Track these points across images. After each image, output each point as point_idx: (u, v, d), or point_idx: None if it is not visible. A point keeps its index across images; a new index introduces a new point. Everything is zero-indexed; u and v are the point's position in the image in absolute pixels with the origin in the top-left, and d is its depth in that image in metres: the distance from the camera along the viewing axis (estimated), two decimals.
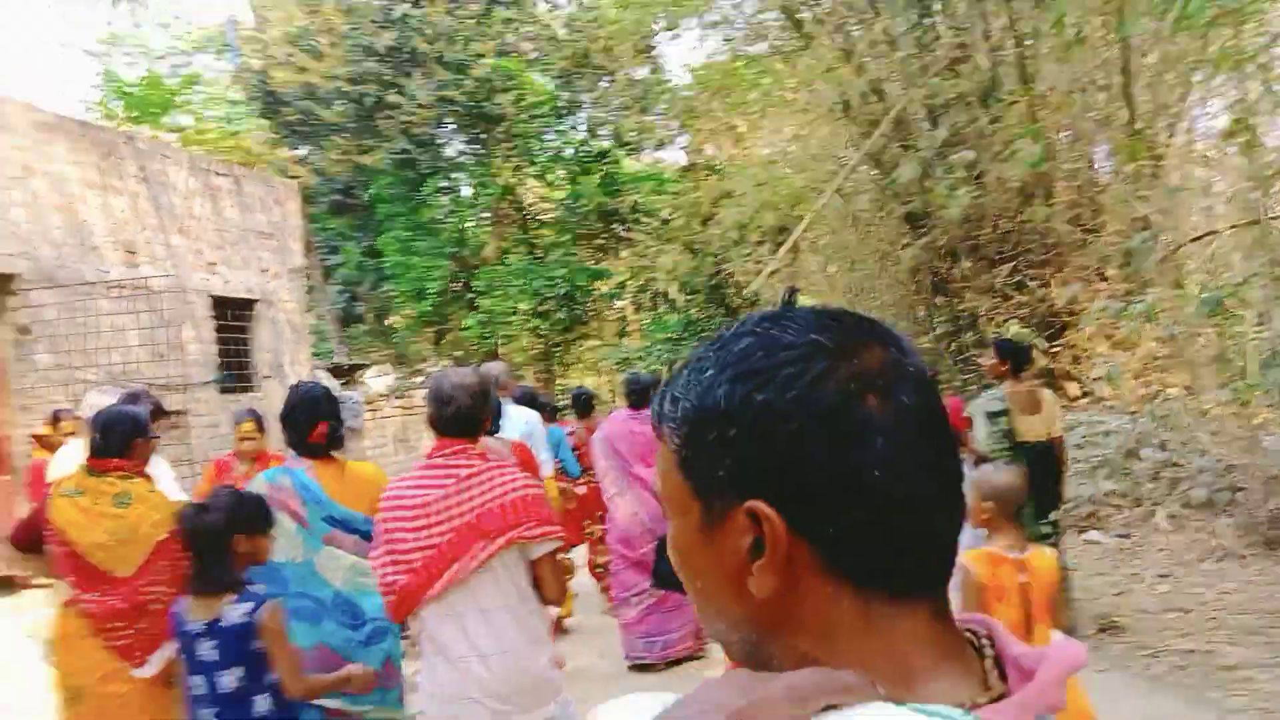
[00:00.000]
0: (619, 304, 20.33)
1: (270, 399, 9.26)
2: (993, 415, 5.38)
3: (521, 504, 2.62)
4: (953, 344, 12.82)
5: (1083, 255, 11.37)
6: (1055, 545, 5.29)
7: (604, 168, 18.36)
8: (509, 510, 2.60)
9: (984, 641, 0.69)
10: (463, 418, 2.71)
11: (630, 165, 20.17)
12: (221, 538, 2.68)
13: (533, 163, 18.64)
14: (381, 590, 2.70)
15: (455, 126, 18.12)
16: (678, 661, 5.32)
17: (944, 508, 0.66)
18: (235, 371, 8.98)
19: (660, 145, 18.87)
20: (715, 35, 16.16)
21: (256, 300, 9.33)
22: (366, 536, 3.00)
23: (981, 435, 5.33)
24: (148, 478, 3.24)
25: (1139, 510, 7.76)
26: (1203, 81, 9.58)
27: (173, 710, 3.02)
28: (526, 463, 4.22)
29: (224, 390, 8.53)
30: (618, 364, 18.88)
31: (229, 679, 2.64)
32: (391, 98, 16.54)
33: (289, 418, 3.18)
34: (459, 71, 15.79)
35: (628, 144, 18.59)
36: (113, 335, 7.18)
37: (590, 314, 19.52)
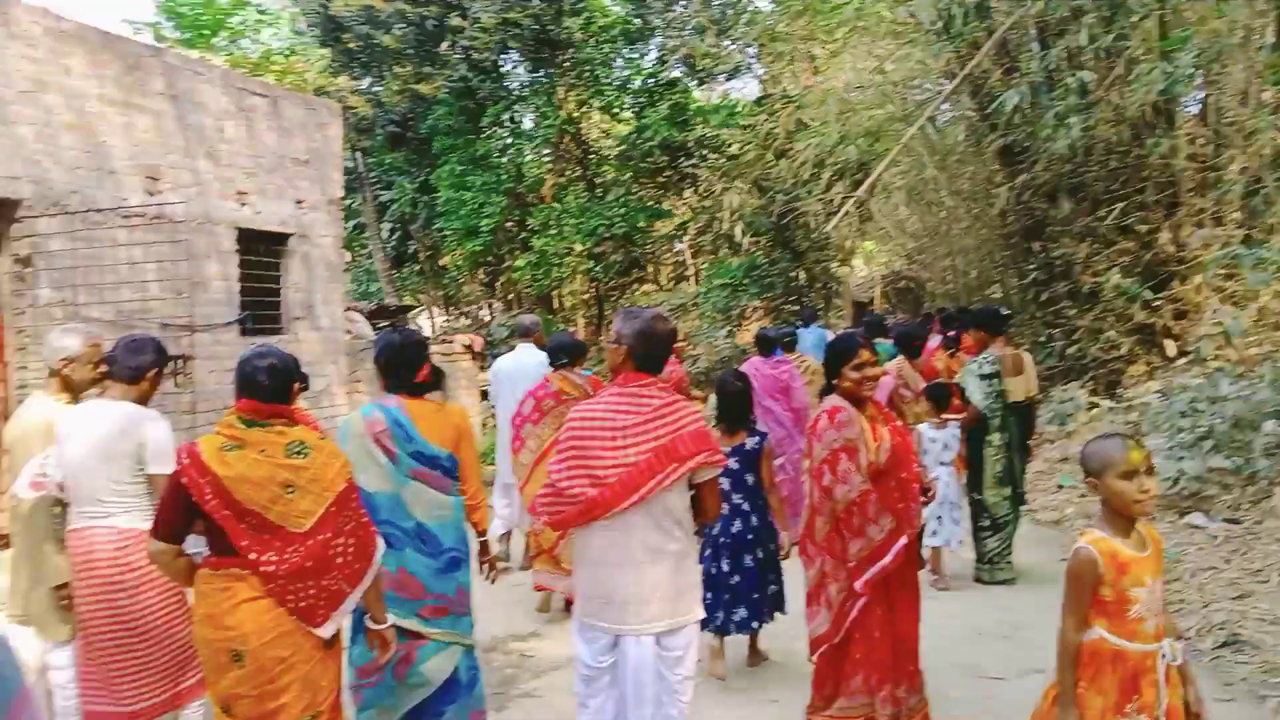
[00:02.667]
0: (679, 247, 19.39)
1: (300, 342, 8.66)
2: (985, 377, 6.08)
3: (702, 433, 3.03)
4: (1041, 294, 11.89)
5: (1201, 197, 10.22)
6: (1023, 503, 6.63)
7: (673, 98, 17.30)
8: (693, 438, 2.99)
9: None
10: (657, 355, 3.11)
11: (700, 97, 19.05)
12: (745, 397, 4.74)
13: (599, 93, 17.68)
14: (555, 501, 3.04)
15: (519, 54, 17.29)
16: None
17: None
18: (262, 311, 8.39)
19: (734, 73, 17.69)
20: None
21: (290, 234, 8.71)
22: (448, 473, 3.40)
23: (978, 397, 6.03)
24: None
25: (1251, 490, 6.78)
26: None
27: (335, 674, 2.96)
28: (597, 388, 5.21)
29: (246, 332, 7.94)
30: (673, 310, 17.99)
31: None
32: (454, 20, 15.81)
33: (397, 358, 3.42)
34: None
35: (700, 72, 17.46)
36: (128, 269, 6.63)
37: (648, 257, 18.64)
